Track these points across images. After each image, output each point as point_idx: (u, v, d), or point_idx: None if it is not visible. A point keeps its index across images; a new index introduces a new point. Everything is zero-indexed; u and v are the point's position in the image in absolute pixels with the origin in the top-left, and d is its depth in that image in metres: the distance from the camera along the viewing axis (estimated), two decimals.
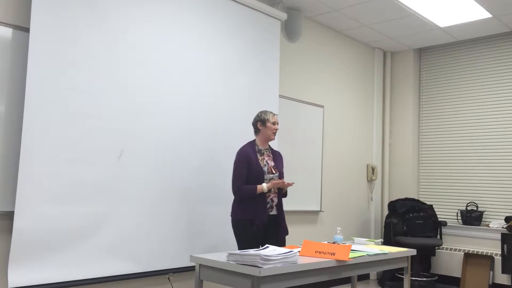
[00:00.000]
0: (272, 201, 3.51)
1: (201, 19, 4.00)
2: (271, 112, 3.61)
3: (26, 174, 2.94)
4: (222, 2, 4.17)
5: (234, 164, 3.49)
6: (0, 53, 3.01)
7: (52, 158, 3.06)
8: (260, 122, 3.57)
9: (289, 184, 3.48)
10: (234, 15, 4.27)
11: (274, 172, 3.54)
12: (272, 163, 3.58)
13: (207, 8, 4.05)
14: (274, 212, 3.52)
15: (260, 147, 3.59)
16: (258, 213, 3.38)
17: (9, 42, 3.05)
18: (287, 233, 3.57)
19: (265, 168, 3.50)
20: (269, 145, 3.68)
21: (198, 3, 3.98)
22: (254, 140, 3.62)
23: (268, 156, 3.60)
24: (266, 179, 3.48)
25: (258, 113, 3.62)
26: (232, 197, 4.10)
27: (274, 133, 3.60)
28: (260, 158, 3.52)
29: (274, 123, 3.57)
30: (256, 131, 3.61)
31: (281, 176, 3.60)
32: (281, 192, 3.59)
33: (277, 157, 3.68)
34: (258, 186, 3.40)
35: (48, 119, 3.06)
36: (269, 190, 3.47)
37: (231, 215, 3.51)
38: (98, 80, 3.32)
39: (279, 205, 3.56)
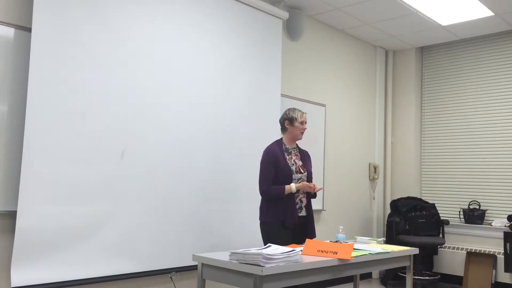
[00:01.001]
0: (301, 201, 3.41)
1: (202, 18, 4.00)
2: (299, 111, 3.49)
3: (28, 174, 2.94)
4: (223, 2, 4.16)
5: (261, 164, 3.39)
6: (2, 53, 3.01)
7: (54, 158, 3.07)
8: (288, 121, 3.46)
9: (317, 189, 3.38)
10: (235, 14, 4.27)
11: (302, 171, 3.43)
12: (300, 163, 3.47)
13: (208, 8, 4.05)
14: (303, 213, 3.42)
15: (287, 146, 3.48)
16: (288, 214, 3.28)
17: (11, 42, 3.06)
18: (314, 235, 3.45)
19: (293, 168, 3.39)
20: (297, 144, 3.57)
21: (199, 3, 3.98)
22: (281, 138, 3.51)
23: (296, 155, 3.49)
24: (295, 179, 3.37)
25: (285, 111, 3.50)
26: (234, 196, 4.10)
27: (302, 133, 3.48)
28: (287, 157, 3.41)
29: (302, 123, 3.45)
30: (283, 129, 3.50)
31: (309, 175, 3.48)
32: (310, 193, 3.47)
33: (305, 156, 3.56)
34: (287, 186, 3.30)
35: (50, 119, 3.06)
36: (298, 191, 3.36)
37: (259, 218, 3.41)
38: (99, 80, 3.32)
39: (308, 206, 3.46)
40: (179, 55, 3.82)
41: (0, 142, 2.99)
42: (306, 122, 3.49)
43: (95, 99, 3.29)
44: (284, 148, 3.45)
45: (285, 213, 3.29)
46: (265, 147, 3.46)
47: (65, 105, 3.14)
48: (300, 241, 3.29)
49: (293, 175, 3.37)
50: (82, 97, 3.22)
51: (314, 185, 3.36)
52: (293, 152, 3.49)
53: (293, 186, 3.31)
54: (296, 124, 3.44)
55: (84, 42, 3.24)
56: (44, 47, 3.05)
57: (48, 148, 3.04)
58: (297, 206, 3.38)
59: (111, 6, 3.40)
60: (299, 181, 3.39)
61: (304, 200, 3.43)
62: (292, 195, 3.34)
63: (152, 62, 3.63)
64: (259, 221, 3.43)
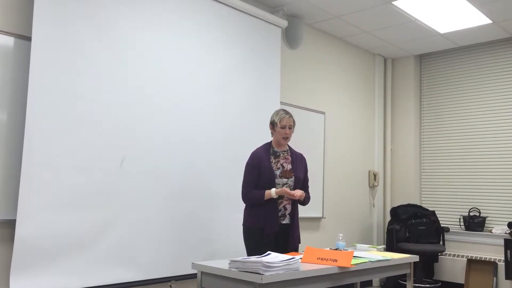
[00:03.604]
0: (285, 209, 3.25)
1: (201, 27, 4.02)
2: (283, 113, 3.25)
3: (27, 182, 2.94)
4: (223, 10, 4.19)
5: (245, 167, 3.29)
6: (2, 62, 3.03)
7: (54, 166, 3.07)
8: (271, 125, 3.31)
9: (294, 196, 3.16)
10: (234, 23, 4.29)
11: (288, 176, 3.25)
12: (289, 166, 3.27)
13: (208, 16, 4.07)
14: (286, 221, 3.25)
15: (275, 149, 3.31)
16: (268, 222, 3.14)
17: (11, 51, 3.07)
18: (299, 242, 3.32)
19: (278, 172, 3.22)
20: (289, 147, 3.38)
21: (198, 11, 4.00)
22: (271, 141, 3.37)
23: (285, 158, 3.30)
24: (279, 184, 3.21)
25: (273, 113, 3.34)
26: (234, 203, 4.09)
27: (284, 138, 3.26)
28: (274, 161, 3.25)
29: (283, 127, 3.23)
30: (271, 132, 3.36)
31: (298, 180, 3.28)
32: (299, 199, 3.26)
33: (297, 159, 3.35)
34: (267, 192, 3.14)
35: (50, 127, 3.07)
36: (282, 197, 3.20)
37: (242, 223, 3.30)
38: (99, 88, 3.33)
39: (293, 214, 3.27)
40: (178, 63, 3.83)
41: (0, 150, 2.99)
42: (290, 127, 3.25)
43: (94, 108, 3.30)
44: (271, 151, 3.29)
45: (266, 220, 3.15)
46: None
47: (65, 113, 3.14)
48: (282, 250, 3.13)
49: (277, 180, 3.21)
50: (81, 105, 3.23)
51: (295, 192, 3.14)
52: (282, 155, 3.31)
53: (273, 192, 3.13)
54: (277, 129, 3.25)
55: (84, 50, 3.26)
56: (44, 56, 3.06)
57: (48, 156, 3.04)
58: (280, 213, 3.23)
59: (111, 15, 3.42)
60: (284, 186, 3.22)
61: (289, 207, 3.26)
62: (274, 201, 3.18)
63: (151, 70, 3.65)
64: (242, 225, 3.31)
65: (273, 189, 3.16)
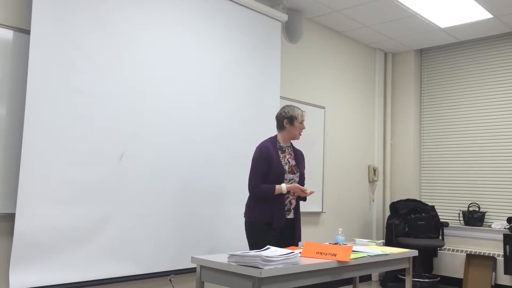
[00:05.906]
0: (290, 203, 3.27)
1: (201, 21, 4.00)
2: (299, 109, 3.29)
3: (27, 176, 2.94)
4: (223, 4, 4.17)
5: (252, 160, 3.22)
6: (1, 55, 3.01)
7: (53, 160, 3.06)
8: (287, 120, 3.26)
9: (306, 193, 3.17)
10: (234, 17, 4.27)
11: (295, 172, 3.27)
12: (293, 162, 3.29)
13: (208, 10, 4.05)
14: (291, 215, 3.28)
15: (281, 144, 3.30)
16: (276, 216, 3.13)
17: (10, 44, 3.06)
18: (300, 239, 3.34)
19: (286, 167, 3.23)
20: (291, 143, 3.39)
21: (198, 5, 3.98)
22: (276, 136, 3.33)
23: (290, 154, 3.32)
24: (286, 179, 3.21)
25: (284, 108, 3.30)
26: (234, 199, 4.08)
27: (301, 133, 3.32)
28: (281, 156, 3.24)
29: (301, 122, 3.27)
30: (281, 127, 3.31)
31: (302, 176, 3.32)
32: (300, 195, 3.27)
33: (299, 156, 3.38)
34: (277, 186, 3.12)
35: (49, 121, 3.06)
36: (288, 192, 3.19)
37: (244, 216, 3.26)
38: (98, 82, 3.32)
39: (296, 209, 3.32)
40: (178, 58, 3.82)
41: None
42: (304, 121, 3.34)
43: (93, 101, 3.29)
44: (278, 146, 3.28)
45: (273, 214, 3.14)
46: (258, 144, 3.31)
47: (64, 107, 3.14)
48: (286, 244, 3.17)
49: (285, 175, 3.21)
50: (81, 99, 3.22)
51: (304, 189, 3.18)
52: (287, 150, 3.32)
53: (283, 187, 3.13)
54: (296, 124, 3.27)
55: (83, 44, 3.24)
56: (43, 50, 3.05)
57: (47, 150, 3.04)
58: (286, 208, 3.24)
59: (111, 9, 3.40)
60: (291, 181, 3.24)
61: (294, 202, 3.30)
62: (281, 196, 3.18)
63: (152, 64, 3.63)
64: (244, 219, 3.28)
65: (283, 184, 3.16)
